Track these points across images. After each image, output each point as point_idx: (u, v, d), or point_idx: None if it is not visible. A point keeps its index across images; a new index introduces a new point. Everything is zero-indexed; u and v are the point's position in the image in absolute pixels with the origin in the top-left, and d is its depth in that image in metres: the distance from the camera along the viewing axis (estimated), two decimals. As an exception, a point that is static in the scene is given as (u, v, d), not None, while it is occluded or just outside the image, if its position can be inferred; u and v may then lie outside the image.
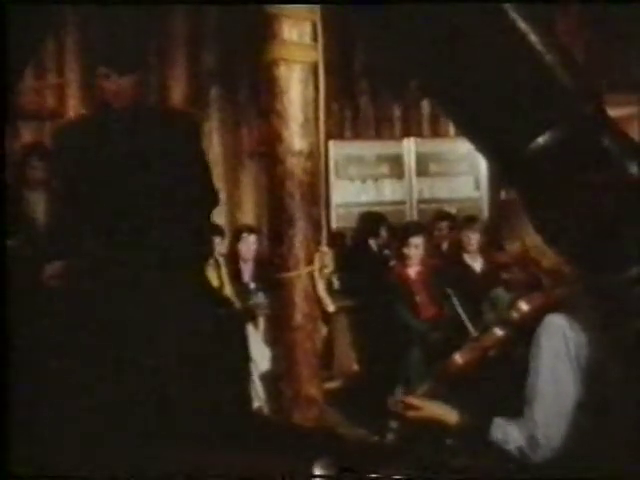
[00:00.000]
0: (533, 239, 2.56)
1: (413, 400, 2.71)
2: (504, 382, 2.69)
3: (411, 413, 2.65)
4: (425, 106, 9.06)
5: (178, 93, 8.35)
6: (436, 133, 9.08)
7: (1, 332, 2.64)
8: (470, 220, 7.34)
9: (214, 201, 4.02)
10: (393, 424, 2.75)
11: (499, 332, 2.79)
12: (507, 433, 2.50)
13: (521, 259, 2.64)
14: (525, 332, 2.57)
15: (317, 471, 2.60)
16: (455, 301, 5.89)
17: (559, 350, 2.45)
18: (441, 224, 7.56)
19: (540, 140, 1.97)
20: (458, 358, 2.84)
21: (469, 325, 5.67)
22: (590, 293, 2.17)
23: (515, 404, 2.52)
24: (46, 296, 4.65)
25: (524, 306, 2.68)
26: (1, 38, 2.45)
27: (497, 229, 2.86)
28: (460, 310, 5.71)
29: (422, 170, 8.83)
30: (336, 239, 7.37)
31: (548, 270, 2.59)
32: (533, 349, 2.49)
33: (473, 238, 6.92)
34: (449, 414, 2.62)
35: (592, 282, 2.12)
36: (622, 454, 2.21)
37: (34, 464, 2.77)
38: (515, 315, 2.72)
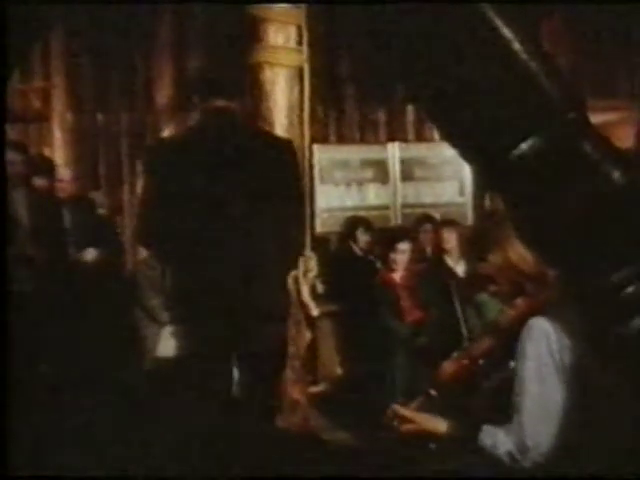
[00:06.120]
0: (515, 247, 2.58)
1: (407, 412, 2.72)
2: (494, 390, 2.71)
3: (405, 426, 2.67)
4: (410, 111, 9.07)
5: (163, 96, 8.35)
6: (421, 138, 9.09)
7: (1, 333, 2.63)
8: (448, 222, 7.37)
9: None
10: (384, 434, 2.76)
11: (487, 341, 2.80)
12: (496, 439, 2.51)
13: (504, 269, 2.66)
14: (512, 339, 2.59)
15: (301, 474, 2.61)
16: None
17: (543, 353, 2.46)
18: (425, 226, 7.57)
19: (523, 146, 1.97)
20: (447, 368, 2.85)
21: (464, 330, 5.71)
22: (575, 298, 2.18)
23: (506, 410, 2.53)
24: (46, 297, 4.65)
25: (510, 313, 2.69)
26: (1, 39, 2.45)
27: (480, 238, 2.87)
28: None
29: (407, 175, 8.83)
30: (320, 243, 7.38)
31: (531, 276, 2.61)
32: (518, 354, 2.51)
33: (450, 237, 6.94)
34: (439, 424, 2.64)
35: (577, 287, 2.12)
36: (609, 456, 2.22)
37: (33, 464, 2.77)
38: (502, 322, 2.73)
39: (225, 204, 3.65)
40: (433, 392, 2.88)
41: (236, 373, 3.71)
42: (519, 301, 2.66)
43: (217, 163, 3.68)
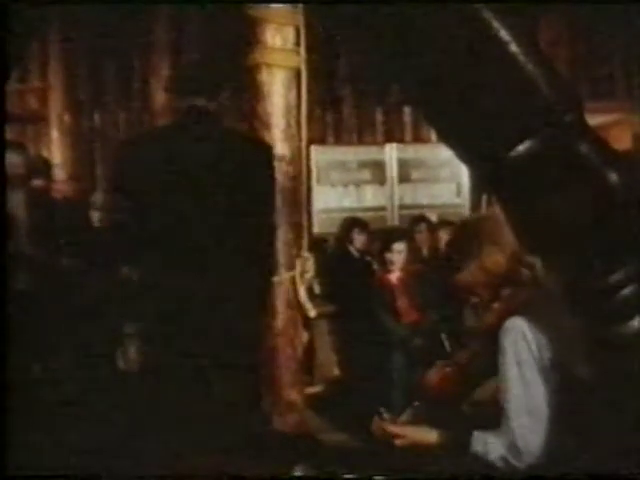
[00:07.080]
0: (490, 253, 2.59)
1: (396, 429, 2.73)
2: (482, 395, 2.71)
3: (396, 441, 2.67)
4: (407, 112, 9.08)
5: (161, 97, 8.35)
6: (418, 139, 9.10)
7: (1, 333, 2.63)
8: (445, 223, 7.38)
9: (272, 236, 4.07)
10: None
11: (469, 348, 2.82)
12: (487, 444, 2.51)
13: (480, 276, 2.67)
14: (493, 343, 2.59)
15: (297, 475, 2.62)
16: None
17: (522, 352, 2.46)
18: (420, 226, 7.56)
19: (520, 148, 1.98)
20: (433, 376, 2.87)
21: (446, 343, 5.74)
22: (570, 299, 2.18)
23: (496, 415, 2.53)
24: (46, 299, 4.63)
25: (489, 318, 2.71)
26: (2, 39, 2.46)
27: (456, 246, 2.88)
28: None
29: (404, 176, 8.84)
30: (317, 244, 7.37)
31: (506, 278, 2.62)
32: (499, 355, 2.51)
33: (445, 239, 6.95)
34: (429, 435, 2.64)
35: (574, 287, 2.13)
36: (603, 454, 2.22)
37: (31, 465, 2.77)
38: (482, 328, 2.75)
39: (194, 209, 3.61)
40: (416, 404, 2.90)
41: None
42: (496, 305, 2.67)
43: (188, 164, 3.64)
